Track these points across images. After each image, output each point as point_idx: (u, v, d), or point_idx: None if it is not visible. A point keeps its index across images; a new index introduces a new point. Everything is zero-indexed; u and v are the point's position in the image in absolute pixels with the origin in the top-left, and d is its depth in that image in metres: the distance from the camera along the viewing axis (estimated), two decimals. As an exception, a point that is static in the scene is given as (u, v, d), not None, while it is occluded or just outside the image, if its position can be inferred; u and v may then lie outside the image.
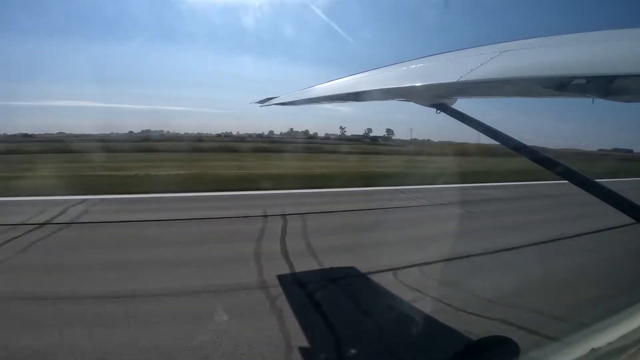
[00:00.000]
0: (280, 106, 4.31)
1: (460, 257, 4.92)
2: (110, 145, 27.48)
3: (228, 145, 33.56)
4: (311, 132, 59.19)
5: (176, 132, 53.48)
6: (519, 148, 1.84)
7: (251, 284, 3.88)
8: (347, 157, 27.29)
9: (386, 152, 35.46)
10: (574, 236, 6.14)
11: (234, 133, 54.07)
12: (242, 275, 4.08)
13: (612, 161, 28.28)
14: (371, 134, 59.06)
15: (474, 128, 2.05)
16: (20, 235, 5.33)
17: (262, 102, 4.34)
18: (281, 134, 58.68)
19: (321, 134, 60.24)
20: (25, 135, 41.41)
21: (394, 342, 2.81)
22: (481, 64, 1.37)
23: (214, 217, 7.05)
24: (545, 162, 1.74)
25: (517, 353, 1.52)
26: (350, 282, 4.03)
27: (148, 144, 30.99)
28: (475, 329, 2.91)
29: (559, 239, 6.03)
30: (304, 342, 2.78)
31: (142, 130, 52.80)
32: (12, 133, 42.69)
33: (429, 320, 3.13)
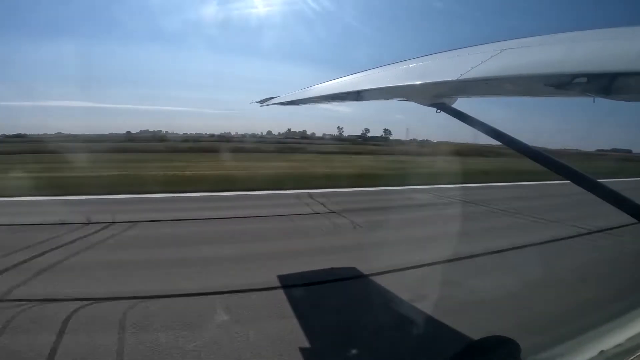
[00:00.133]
0: (281, 106, 4.31)
1: (233, 291, 3.85)
2: (86, 146, 27.35)
3: (211, 145, 33.55)
4: (309, 133, 59.76)
5: (175, 132, 54.04)
6: (520, 148, 1.83)
7: None
8: (320, 157, 27.13)
9: (370, 152, 35.49)
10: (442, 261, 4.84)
11: (233, 133, 54.55)
12: None
13: (607, 161, 28.30)
14: (368, 134, 59.50)
15: (474, 127, 2.04)
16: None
17: (262, 101, 4.33)
18: (279, 134, 59.37)
19: (320, 134, 60.64)
20: (18, 136, 41.45)
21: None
22: (481, 62, 1.36)
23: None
24: (547, 163, 1.73)
25: (517, 353, 1.51)
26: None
27: (121, 145, 31.06)
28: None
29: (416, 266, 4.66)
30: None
31: (140, 131, 53.30)
32: (11, 133, 43.00)
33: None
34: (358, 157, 28.81)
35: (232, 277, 4.27)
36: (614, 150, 50.77)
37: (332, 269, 4.60)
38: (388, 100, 3.37)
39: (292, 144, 41.19)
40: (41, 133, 44.44)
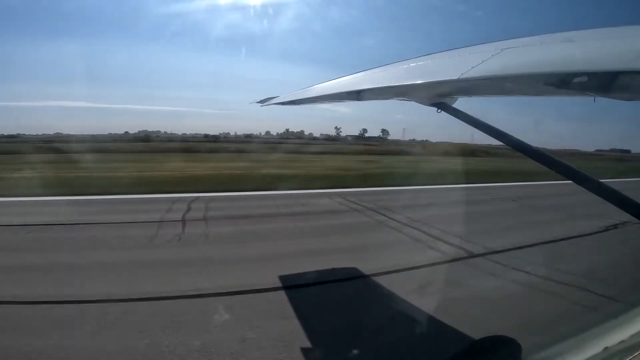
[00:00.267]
0: (281, 107, 4.31)
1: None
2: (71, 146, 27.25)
3: (192, 145, 34.01)
4: (307, 133, 60.20)
5: (173, 132, 54.25)
6: (521, 148, 1.82)
7: None
8: (290, 157, 26.28)
9: (354, 151, 35.29)
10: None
11: (232, 134, 54.87)
12: None
13: (603, 161, 28.35)
14: (366, 134, 59.75)
15: (475, 127, 2.04)
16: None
17: (262, 101, 4.33)
18: (277, 134, 59.69)
19: (319, 134, 60.87)
20: (10, 137, 41.32)
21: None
22: (482, 61, 1.36)
23: None
24: (549, 162, 1.73)
25: (519, 353, 1.51)
26: None
27: (101, 145, 30.92)
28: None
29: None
30: None
31: (139, 131, 53.51)
32: (9, 133, 42.97)
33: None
34: (332, 157, 28.33)
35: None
36: (613, 150, 50.91)
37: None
38: (388, 101, 3.37)
39: (283, 144, 41.37)
40: (40, 133, 44.61)
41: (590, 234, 7.03)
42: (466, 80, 1.32)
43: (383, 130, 61.21)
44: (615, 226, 7.43)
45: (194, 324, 3.38)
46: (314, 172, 16.18)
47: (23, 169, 14.29)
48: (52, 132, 44.99)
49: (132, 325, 3.31)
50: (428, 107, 2.35)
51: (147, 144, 35.44)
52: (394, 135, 59.75)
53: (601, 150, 51.98)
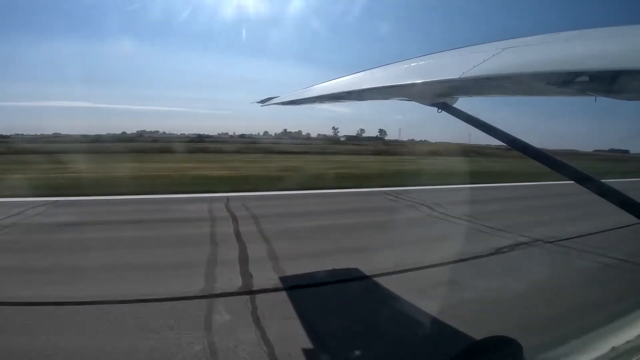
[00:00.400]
0: (281, 108, 4.31)
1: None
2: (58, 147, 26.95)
3: (173, 146, 33.52)
4: (304, 133, 60.56)
5: (172, 132, 54.49)
6: (523, 148, 1.82)
7: None
8: (266, 157, 26.10)
9: (336, 152, 35.04)
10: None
11: (230, 134, 55.22)
12: None
13: (602, 162, 28.30)
14: (364, 134, 60.17)
15: (475, 127, 2.04)
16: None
17: (262, 101, 4.33)
18: (275, 134, 60.03)
19: (318, 134, 61.21)
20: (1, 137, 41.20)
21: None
22: (483, 61, 1.35)
23: None
24: (550, 163, 1.72)
25: (520, 354, 1.50)
26: None
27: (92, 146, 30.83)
28: None
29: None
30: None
31: (137, 131, 53.82)
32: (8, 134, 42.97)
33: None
34: (300, 157, 27.66)
35: None
36: (612, 150, 51.01)
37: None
38: (388, 101, 3.37)
39: (275, 144, 41.55)
40: (38, 134, 44.66)
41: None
42: (468, 79, 1.32)
43: (380, 131, 61.69)
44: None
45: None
46: (243, 173, 15.47)
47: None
48: (50, 132, 45.22)
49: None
50: (429, 107, 2.35)
51: (128, 145, 35.23)
52: (392, 135, 60.03)
53: (599, 151, 52.10)
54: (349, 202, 10.25)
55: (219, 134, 55.33)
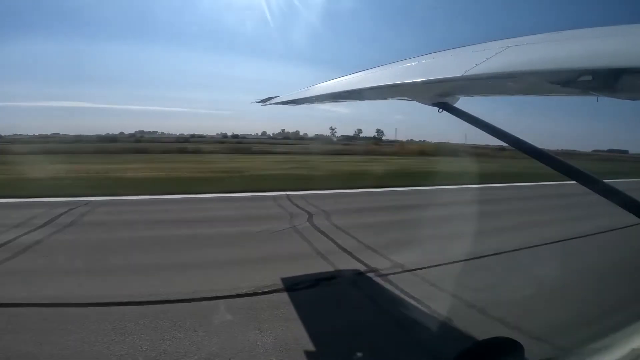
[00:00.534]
0: (281, 109, 4.30)
1: None
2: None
3: (154, 146, 33.74)
4: (301, 133, 61.24)
5: (170, 133, 54.53)
6: (524, 148, 1.81)
7: None
8: (242, 157, 25.50)
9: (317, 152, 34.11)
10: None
11: (229, 134, 55.33)
12: None
13: (595, 162, 28.43)
14: (361, 135, 60.64)
15: (476, 127, 2.03)
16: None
17: (263, 101, 4.32)
18: (273, 134, 60.40)
19: (315, 134, 61.67)
20: None
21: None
22: (486, 59, 1.34)
23: None
24: (552, 163, 1.72)
25: (521, 355, 1.49)
26: None
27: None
28: None
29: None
30: None
31: (135, 131, 53.86)
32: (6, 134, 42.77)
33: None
34: (273, 157, 27.29)
35: None
36: (610, 150, 51.35)
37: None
38: (389, 101, 3.36)
39: (259, 144, 41.67)
40: (37, 134, 44.47)
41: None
42: (470, 78, 1.30)
43: (378, 131, 62.24)
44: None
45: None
46: (160, 176, 14.49)
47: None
48: (49, 132, 45.04)
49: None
50: (429, 107, 2.35)
51: (101, 145, 34.78)
52: (390, 135, 60.37)
53: (598, 151, 52.40)
54: (215, 209, 8.58)
55: (217, 134, 55.43)
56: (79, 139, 40.30)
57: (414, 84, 1.78)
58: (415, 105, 2.51)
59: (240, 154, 30.05)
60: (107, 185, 11.38)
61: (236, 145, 39.81)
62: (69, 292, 3.83)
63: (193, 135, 52.00)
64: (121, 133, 51.01)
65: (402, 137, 57.54)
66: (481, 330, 3.23)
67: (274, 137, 58.98)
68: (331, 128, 62.62)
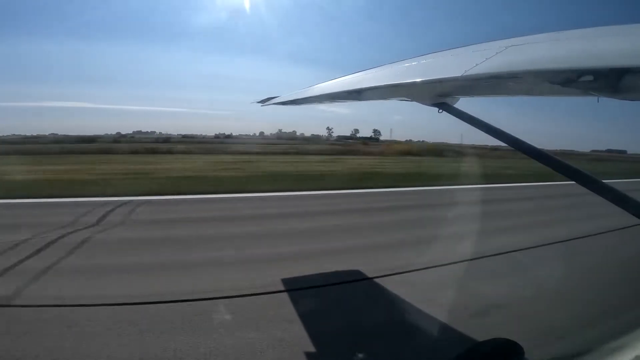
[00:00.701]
0: (280, 109, 4.30)
1: None
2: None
3: (138, 146, 32.35)
4: (298, 133, 61.81)
5: (169, 133, 54.42)
6: (524, 149, 1.80)
7: None
8: (216, 157, 23.38)
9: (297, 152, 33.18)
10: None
11: (227, 134, 55.20)
12: None
13: (591, 162, 28.34)
14: (358, 135, 61.04)
15: (476, 127, 2.02)
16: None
17: (263, 101, 4.32)
18: (270, 134, 60.76)
19: (311, 134, 61.98)
20: None
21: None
22: (486, 59, 1.34)
23: None
24: (552, 163, 1.71)
25: (521, 356, 1.48)
26: None
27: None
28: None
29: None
30: None
31: (134, 132, 53.79)
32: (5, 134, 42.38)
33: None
34: (247, 157, 25.05)
35: None
36: (609, 151, 51.48)
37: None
38: (388, 102, 3.35)
39: (245, 144, 41.44)
40: (35, 134, 44.17)
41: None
42: (470, 77, 1.30)
43: (375, 131, 62.95)
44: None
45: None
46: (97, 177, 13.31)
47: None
48: (47, 133, 44.76)
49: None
50: (429, 107, 2.34)
51: (85, 146, 33.49)
52: (386, 136, 60.62)
53: (597, 151, 52.46)
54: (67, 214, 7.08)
55: (215, 134, 55.30)
56: (58, 140, 38.81)
57: (414, 84, 1.77)
58: (415, 106, 2.50)
59: (215, 155, 27.10)
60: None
61: (218, 145, 38.20)
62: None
63: (185, 136, 51.67)
64: (118, 133, 50.71)
65: (401, 138, 57.74)
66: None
67: (267, 137, 58.86)
68: (328, 128, 63.17)
